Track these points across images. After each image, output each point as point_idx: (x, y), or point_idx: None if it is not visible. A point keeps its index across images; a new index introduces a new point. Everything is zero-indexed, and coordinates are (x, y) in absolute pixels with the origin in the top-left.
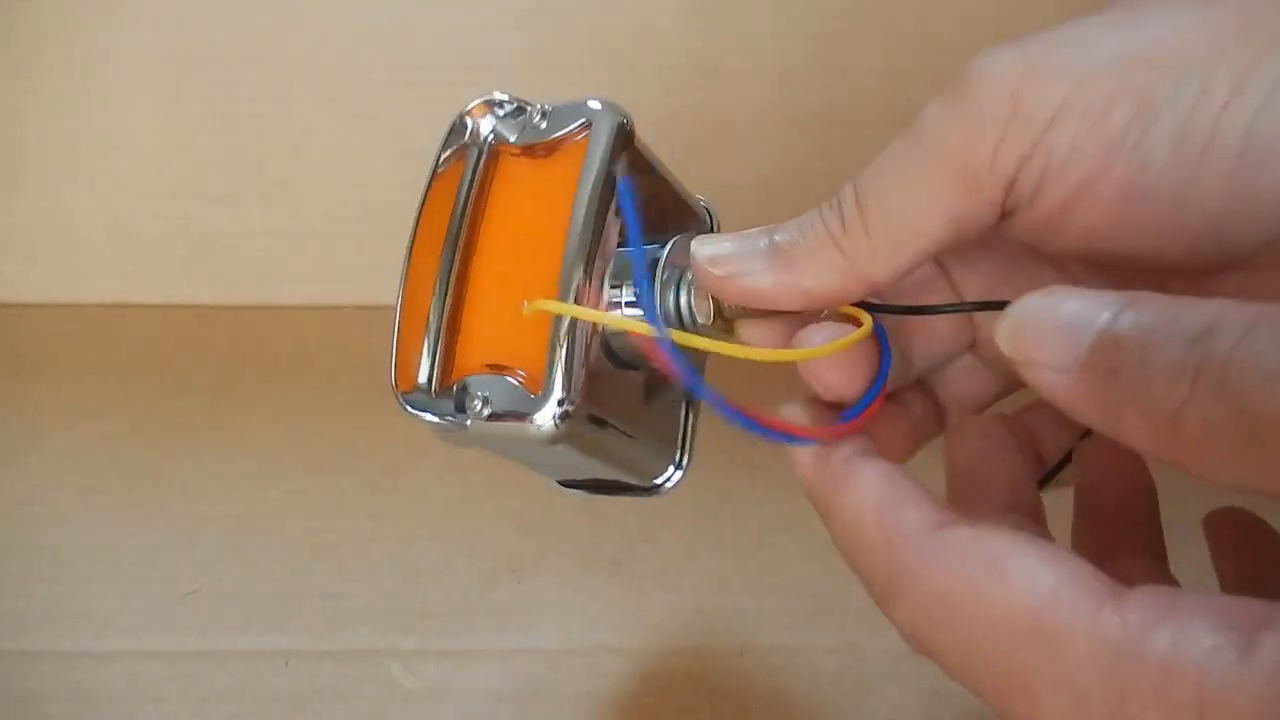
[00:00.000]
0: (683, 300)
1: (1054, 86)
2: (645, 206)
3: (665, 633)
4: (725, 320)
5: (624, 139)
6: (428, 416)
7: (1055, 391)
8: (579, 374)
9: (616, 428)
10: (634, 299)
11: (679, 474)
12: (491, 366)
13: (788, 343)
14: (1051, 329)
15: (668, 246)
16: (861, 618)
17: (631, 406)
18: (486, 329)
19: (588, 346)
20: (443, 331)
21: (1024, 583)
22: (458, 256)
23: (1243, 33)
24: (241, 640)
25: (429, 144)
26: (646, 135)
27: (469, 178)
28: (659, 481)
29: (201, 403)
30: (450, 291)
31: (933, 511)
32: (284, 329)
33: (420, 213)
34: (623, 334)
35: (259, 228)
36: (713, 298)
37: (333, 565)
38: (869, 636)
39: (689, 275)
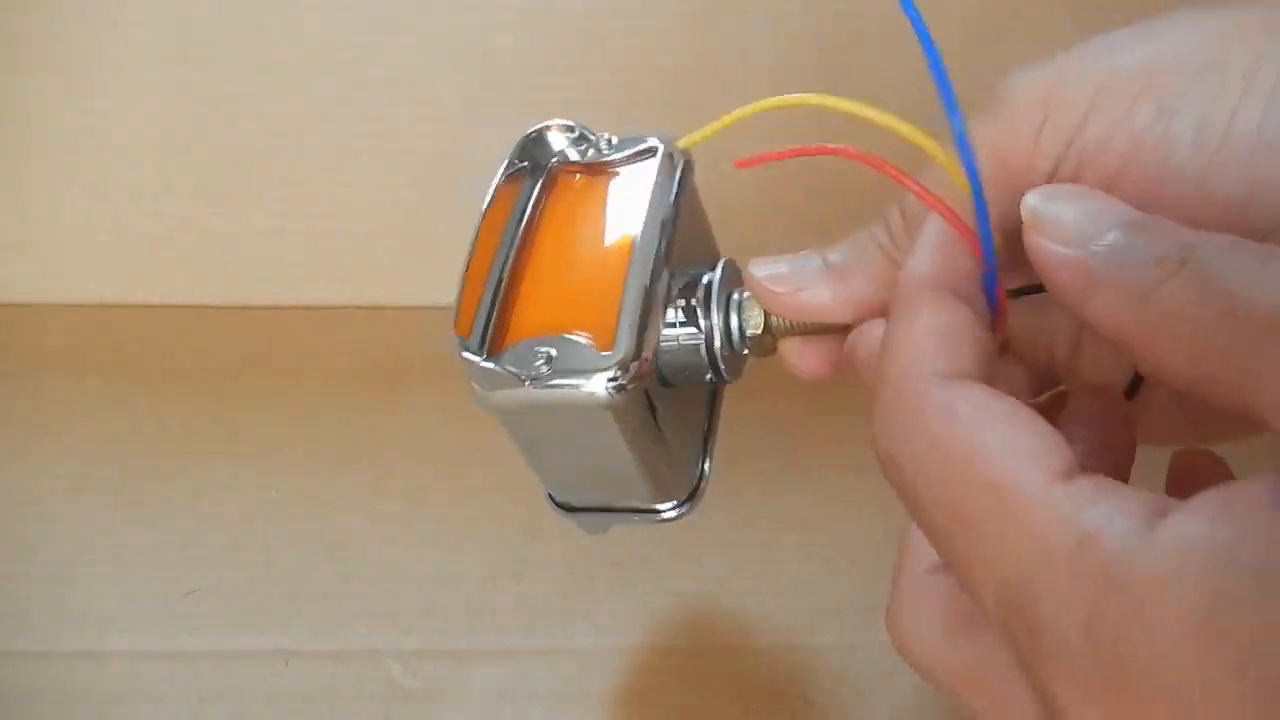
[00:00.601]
0: (733, 319)
1: (1081, 90)
2: (684, 230)
3: (665, 633)
4: (772, 338)
5: (687, 174)
6: (487, 364)
7: (1048, 259)
8: (652, 337)
9: (657, 425)
10: (685, 319)
11: (684, 509)
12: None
13: (827, 359)
14: (1067, 213)
15: (719, 269)
16: (862, 617)
17: (665, 421)
18: (543, 309)
19: (661, 315)
20: (498, 304)
21: (999, 442)
22: (516, 245)
23: (1247, 34)
24: (241, 640)
25: (429, 144)
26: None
27: (533, 185)
28: (662, 507)
29: (201, 403)
30: (508, 272)
31: (960, 364)
32: (284, 329)
33: (484, 216)
34: (671, 348)
35: (259, 228)
36: (765, 316)
37: (333, 565)
38: (869, 636)
39: (735, 297)
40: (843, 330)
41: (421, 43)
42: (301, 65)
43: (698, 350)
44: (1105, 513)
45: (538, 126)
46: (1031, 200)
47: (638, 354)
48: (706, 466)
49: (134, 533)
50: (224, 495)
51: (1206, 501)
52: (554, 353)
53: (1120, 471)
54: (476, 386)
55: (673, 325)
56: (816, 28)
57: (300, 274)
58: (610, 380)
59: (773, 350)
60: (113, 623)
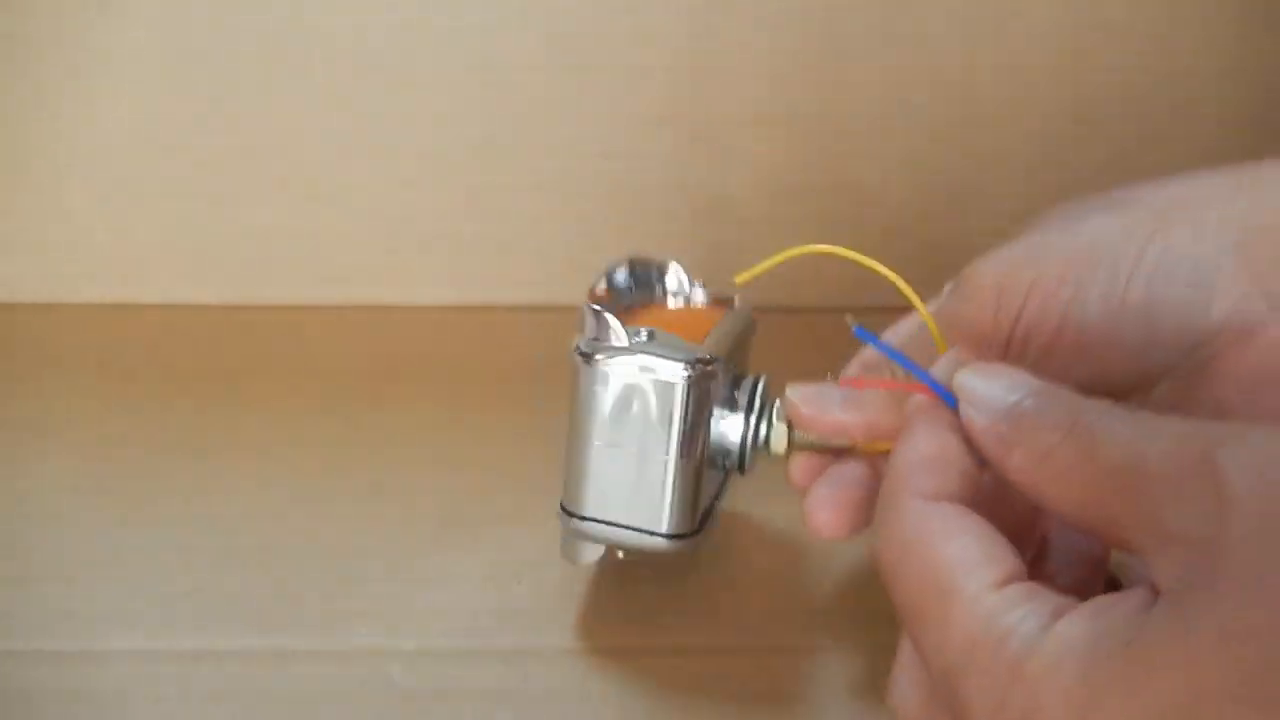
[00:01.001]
0: (763, 427)
1: (1021, 280)
2: (742, 346)
3: (666, 633)
4: (790, 447)
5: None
6: (604, 311)
7: (974, 427)
8: (724, 348)
9: (703, 448)
10: (729, 409)
11: (682, 542)
12: None
13: (820, 472)
14: (986, 389)
15: (763, 379)
16: (862, 618)
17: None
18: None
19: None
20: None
21: (954, 554)
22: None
23: (1136, 230)
24: (241, 640)
25: (429, 144)
26: (645, 135)
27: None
28: (664, 530)
29: (201, 403)
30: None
31: (943, 486)
32: (284, 329)
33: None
34: (715, 429)
35: (259, 227)
36: (789, 427)
37: (333, 565)
38: (869, 636)
39: (775, 406)
40: (850, 450)
41: (421, 43)
42: (301, 65)
43: (736, 434)
44: (1020, 615)
45: (661, 262)
46: (959, 378)
47: (714, 356)
48: (699, 524)
49: (134, 533)
50: (224, 495)
51: (1090, 605)
52: (654, 331)
53: (1088, 577)
54: (583, 347)
55: (722, 407)
56: (816, 28)
57: (300, 274)
58: (691, 364)
59: (788, 455)
60: (113, 623)
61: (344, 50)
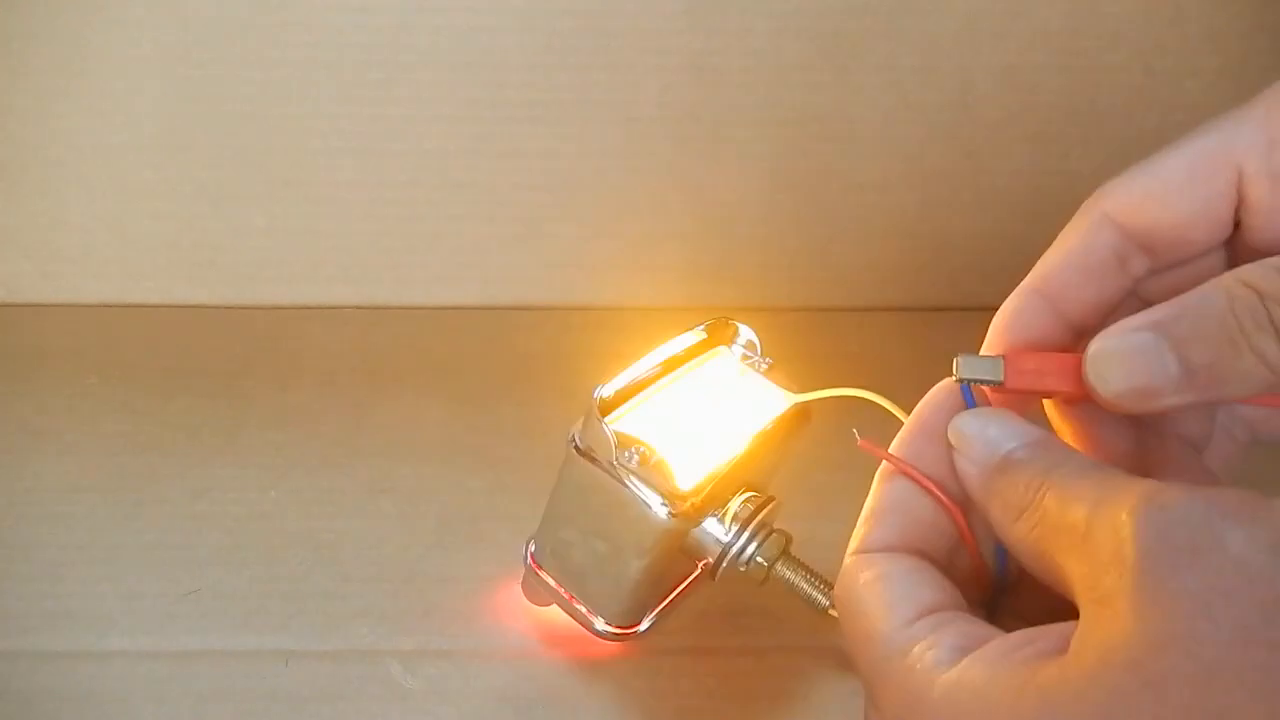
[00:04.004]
0: (750, 547)
1: (1234, 151)
2: (775, 460)
3: (666, 634)
4: (767, 580)
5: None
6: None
7: (964, 476)
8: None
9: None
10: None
11: (614, 635)
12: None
13: None
14: (979, 438)
15: (773, 504)
16: None
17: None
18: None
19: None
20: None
21: (871, 596)
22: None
23: None
24: (241, 640)
25: (429, 144)
26: (646, 135)
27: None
28: (603, 621)
29: (201, 403)
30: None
31: (879, 537)
32: (284, 329)
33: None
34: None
35: (259, 228)
36: (775, 563)
37: (333, 565)
38: None
39: (767, 532)
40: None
41: (421, 43)
42: (301, 65)
43: (718, 547)
44: (924, 646)
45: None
46: (955, 423)
47: (697, 515)
48: (647, 624)
49: (134, 533)
50: (224, 495)
51: (1004, 642)
52: (648, 454)
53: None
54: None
55: (714, 518)
56: (816, 28)
57: (300, 274)
58: (670, 510)
59: (761, 584)
60: (113, 623)
61: (344, 50)
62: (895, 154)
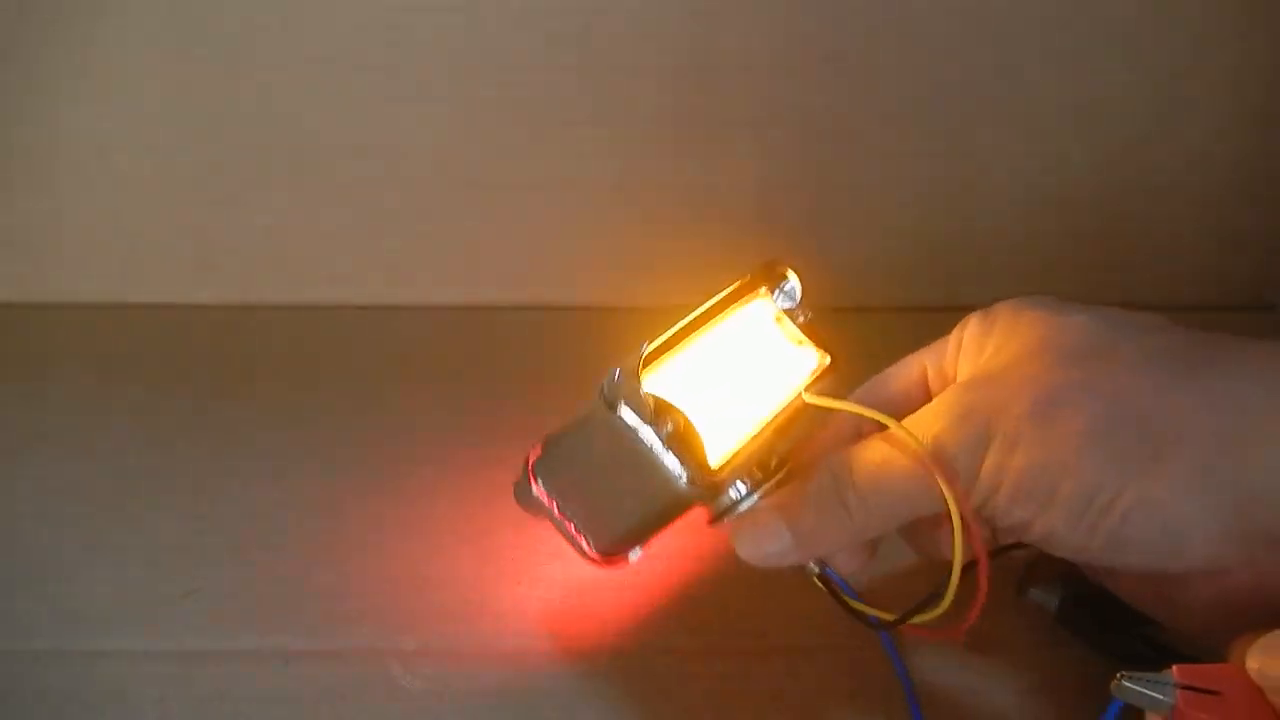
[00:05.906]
0: (749, 499)
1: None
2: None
3: (666, 634)
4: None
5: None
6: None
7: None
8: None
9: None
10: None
11: (601, 561)
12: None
13: None
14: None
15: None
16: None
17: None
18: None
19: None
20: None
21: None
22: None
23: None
24: (241, 640)
25: (429, 144)
26: (645, 135)
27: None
28: (593, 545)
29: (202, 403)
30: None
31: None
32: (284, 329)
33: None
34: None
35: (259, 228)
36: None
37: (333, 565)
38: (869, 637)
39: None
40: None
41: (421, 42)
42: (302, 65)
43: (728, 500)
44: None
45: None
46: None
47: (721, 489)
48: (636, 554)
49: (134, 533)
50: (224, 495)
51: None
52: (683, 425)
53: None
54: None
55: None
56: (816, 27)
57: (300, 274)
58: (693, 486)
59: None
60: (113, 623)
61: (344, 50)
62: (895, 154)
